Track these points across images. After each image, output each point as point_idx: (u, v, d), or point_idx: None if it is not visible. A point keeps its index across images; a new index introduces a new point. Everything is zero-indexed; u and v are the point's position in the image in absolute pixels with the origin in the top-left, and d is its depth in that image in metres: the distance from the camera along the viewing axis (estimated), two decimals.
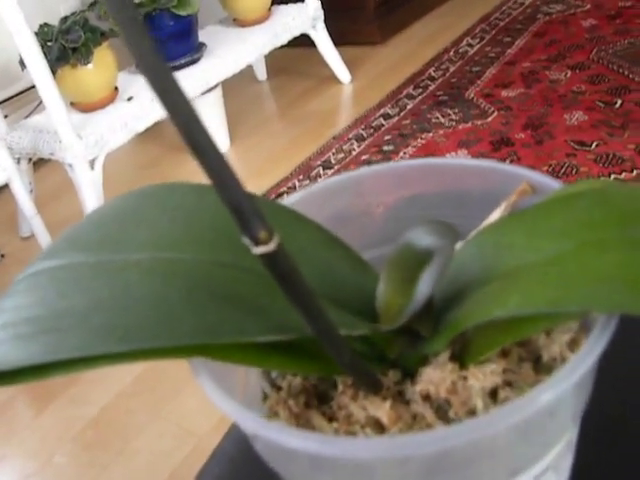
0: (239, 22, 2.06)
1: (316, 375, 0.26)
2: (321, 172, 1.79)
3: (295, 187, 1.75)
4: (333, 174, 1.76)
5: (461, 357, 0.25)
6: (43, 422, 1.23)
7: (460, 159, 0.30)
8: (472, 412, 0.24)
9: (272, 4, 2.12)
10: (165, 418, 1.17)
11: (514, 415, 0.19)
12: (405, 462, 0.20)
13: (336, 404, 0.25)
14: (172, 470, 1.07)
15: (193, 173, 1.92)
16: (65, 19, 1.58)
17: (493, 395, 0.24)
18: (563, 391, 0.20)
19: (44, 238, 1.61)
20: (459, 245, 0.27)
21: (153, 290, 0.23)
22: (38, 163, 1.95)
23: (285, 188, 1.75)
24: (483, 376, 0.24)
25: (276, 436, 0.20)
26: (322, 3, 2.14)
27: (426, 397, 0.24)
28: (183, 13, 1.70)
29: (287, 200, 0.30)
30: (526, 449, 0.22)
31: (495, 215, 0.28)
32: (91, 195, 1.56)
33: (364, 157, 1.80)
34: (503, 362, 0.25)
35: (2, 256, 1.77)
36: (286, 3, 2.16)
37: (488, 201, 0.29)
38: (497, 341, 0.23)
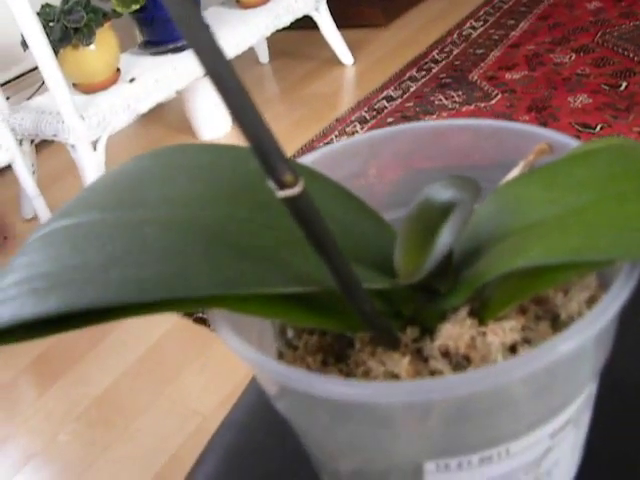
0: (241, 4, 2.05)
1: (335, 330, 0.26)
2: None
3: None
4: None
5: (480, 314, 0.25)
6: (47, 402, 1.24)
7: (475, 120, 0.30)
8: None
9: None
10: (169, 397, 1.17)
11: (534, 363, 0.19)
12: (426, 410, 0.19)
13: (353, 362, 0.25)
14: (176, 448, 1.07)
15: None
16: (67, 0, 1.57)
17: (512, 352, 0.24)
18: (583, 342, 0.20)
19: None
20: (478, 205, 0.26)
21: (170, 244, 0.23)
22: (40, 145, 1.94)
23: None
24: (502, 332, 0.24)
25: (302, 381, 0.19)
26: None
27: (445, 354, 0.24)
28: None
29: (302, 159, 0.30)
30: (546, 401, 0.22)
31: (513, 174, 0.27)
32: (94, 176, 1.56)
33: None
34: (522, 319, 0.25)
35: (5, 238, 1.77)
36: None
37: (505, 163, 0.28)
38: (516, 296, 0.23)
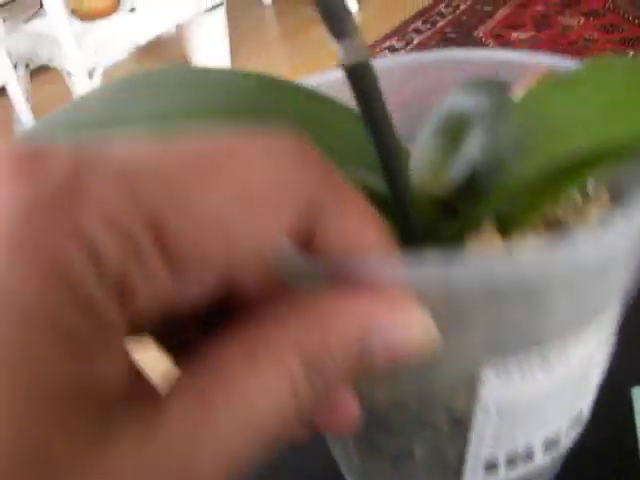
0: None
1: None
2: None
3: None
4: None
5: (503, 229, 0.23)
6: None
7: (480, 51, 0.29)
8: None
9: None
10: None
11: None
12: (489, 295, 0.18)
13: None
14: None
15: None
16: None
17: None
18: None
19: None
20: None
21: None
22: (35, 73, 1.90)
23: None
24: (528, 248, 0.23)
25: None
26: None
27: None
28: None
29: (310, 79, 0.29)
30: (591, 299, 0.20)
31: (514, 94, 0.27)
32: None
33: None
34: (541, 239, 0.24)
35: None
36: None
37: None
38: (542, 200, 0.22)
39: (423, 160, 0.24)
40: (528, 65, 0.29)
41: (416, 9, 2.14)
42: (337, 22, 0.16)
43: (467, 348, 0.20)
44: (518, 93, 0.27)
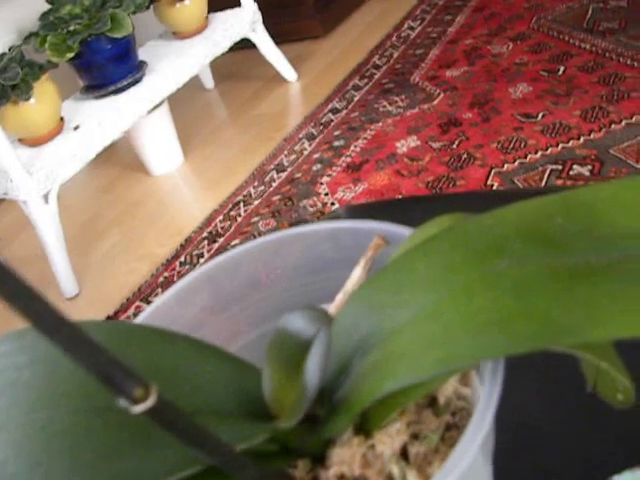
0: (178, 35, 2.06)
1: None
2: (275, 176, 1.79)
3: (251, 195, 1.75)
4: (287, 177, 1.77)
5: (363, 427, 0.25)
6: None
7: (311, 226, 0.30)
8: (389, 477, 0.24)
9: (208, 12, 2.11)
10: None
11: None
12: None
13: None
14: None
15: (152, 192, 1.92)
16: (1, 57, 1.58)
17: (404, 454, 0.25)
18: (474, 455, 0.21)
19: None
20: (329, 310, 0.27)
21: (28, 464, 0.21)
22: None
23: (241, 196, 1.75)
24: (390, 439, 0.25)
25: None
26: (259, 4, 2.14)
27: (341, 477, 0.24)
28: (119, 35, 1.69)
29: (150, 308, 0.30)
30: None
31: (356, 273, 0.29)
32: (49, 229, 1.56)
33: (315, 156, 1.81)
34: (404, 417, 0.26)
35: None
36: (222, 9, 2.16)
37: (345, 260, 0.30)
38: (396, 404, 0.24)
39: (271, 385, 0.25)
40: (363, 232, 0.30)
41: (352, 66, 2.20)
42: (113, 382, 0.16)
43: None
44: (363, 264, 0.29)
